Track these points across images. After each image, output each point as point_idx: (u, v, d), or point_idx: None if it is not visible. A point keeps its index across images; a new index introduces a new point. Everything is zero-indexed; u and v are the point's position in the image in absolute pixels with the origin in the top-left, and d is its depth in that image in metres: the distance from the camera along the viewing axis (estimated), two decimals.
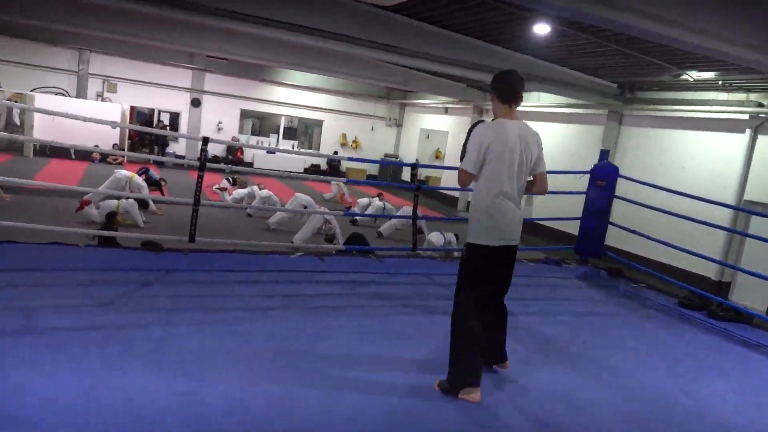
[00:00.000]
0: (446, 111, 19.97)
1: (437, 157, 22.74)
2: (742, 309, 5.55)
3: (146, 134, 20.19)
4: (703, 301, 5.76)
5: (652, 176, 11.66)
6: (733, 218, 10.12)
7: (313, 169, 21.79)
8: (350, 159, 9.68)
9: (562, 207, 9.31)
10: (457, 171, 3.43)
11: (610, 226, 6.62)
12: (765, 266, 6.69)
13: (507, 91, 3.36)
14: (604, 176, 6.43)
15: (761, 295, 9.22)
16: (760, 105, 9.99)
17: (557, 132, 14.64)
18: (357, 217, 12.47)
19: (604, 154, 7.27)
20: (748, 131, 10.24)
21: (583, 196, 6.69)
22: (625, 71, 11.04)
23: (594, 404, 3.46)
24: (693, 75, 10.06)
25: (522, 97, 3.40)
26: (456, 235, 10.82)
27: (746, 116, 10.23)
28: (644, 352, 4.49)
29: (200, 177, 5.16)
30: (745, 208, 9.49)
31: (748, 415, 3.60)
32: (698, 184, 10.32)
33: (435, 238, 10.99)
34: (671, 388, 3.81)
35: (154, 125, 19.93)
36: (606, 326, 5.09)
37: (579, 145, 13.95)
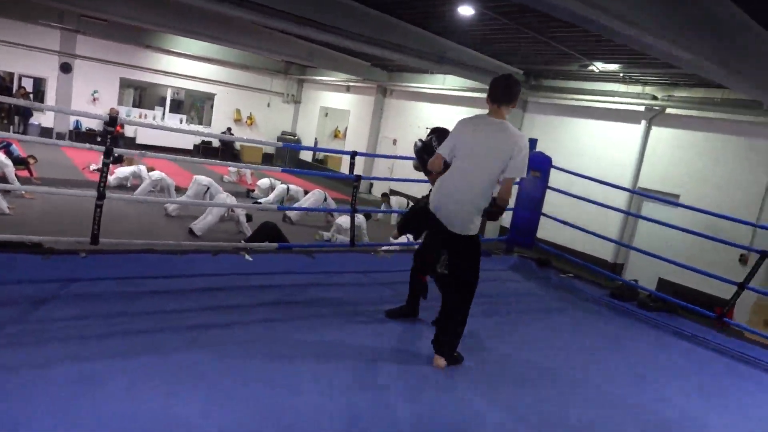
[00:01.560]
0: (348, 89, 19.42)
1: (336, 136, 22.19)
2: (668, 299, 5.74)
3: (2, 103, 17.49)
4: (633, 291, 5.90)
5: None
6: (629, 203, 10.74)
7: (205, 147, 20.28)
8: (254, 141, 8.88)
9: None
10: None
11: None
12: (653, 247, 7.30)
13: (491, 90, 3.55)
14: (537, 166, 6.35)
15: (648, 274, 9.95)
16: (654, 98, 10.63)
17: (462, 116, 14.71)
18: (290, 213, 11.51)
19: (533, 142, 7.24)
20: (643, 122, 10.88)
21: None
22: (537, 58, 11.22)
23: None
24: (599, 66, 10.43)
25: (508, 98, 3.51)
26: (368, 216, 10.45)
27: (642, 108, 10.85)
28: (614, 360, 4.42)
29: (106, 165, 4.26)
30: (642, 193, 10.08)
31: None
32: (598, 171, 10.80)
33: (344, 221, 10.53)
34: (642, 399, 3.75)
35: (14, 93, 17.31)
36: (560, 324, 4.99)
37: None
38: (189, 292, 4.20)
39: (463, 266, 3.61)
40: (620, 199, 10.16)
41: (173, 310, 3.80)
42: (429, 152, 3.83)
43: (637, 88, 10.92)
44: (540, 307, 5.42)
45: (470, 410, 3.17)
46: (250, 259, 4.99)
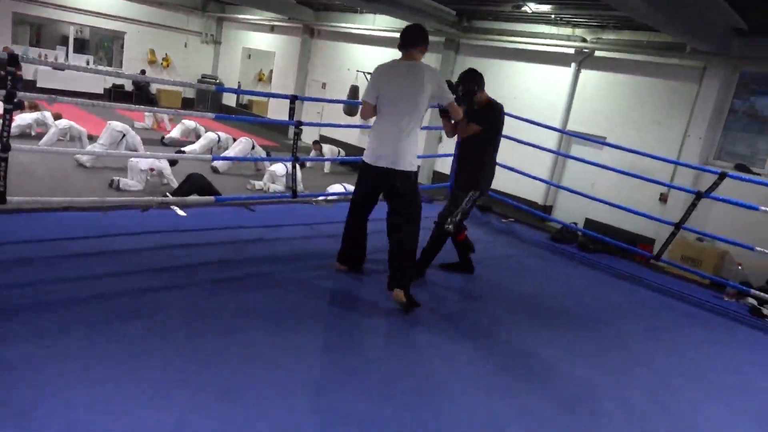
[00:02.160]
0: (272, 29, 18.35)
1: (260, 79, 21.15)
2: (606, 239, 5.92)
3: None
4: (572, 234, 6.04)
5: None
6: (558, 145, 10.96)
7: (117, 91, 18.72)
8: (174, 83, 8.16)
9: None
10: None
11: None
12: (580, 188, 7.58)
13: (400, 39, 3.84)
14: None
15: (575, 215, 10.33)
16: (584, 40, 10.71)
17: (393, 57, 14.33)
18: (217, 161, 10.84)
19: None
20: (573, 65, 10.98)
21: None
22: None
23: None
24: (532, 6, 10.32)
25: (413, 41, 3.81)
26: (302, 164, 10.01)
27: (572, 50, 10.92)
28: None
29: (8, 112, 3.68)
30: (572, 133, 10.30)
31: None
32: (530, 114, 10.89)
33: (279, 168, 10.13)
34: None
35: None
36: (522, 268, 5.01)
37: None
38: (118, 254, 3.80)
39: (408, 200, 3.72)
40: (551, 141, 10.35)
41: (103, 275, 3.42)
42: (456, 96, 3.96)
43: (568, 30, 10.95)
44: (493, 254, 5.42)
45: (441, 355, 3.10)
46: (184, 214, 4.61)
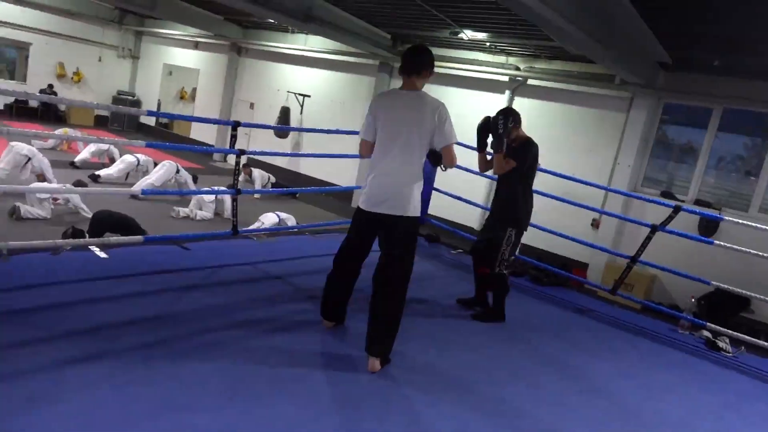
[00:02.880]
0: (196, 45, 17.53)
1: (182, 97, 20.14)
2: (558, 272, 5.81)
3: None
4: (522, 265, 5.89)
5: None
6: None
7: (20, 107, 17.12)
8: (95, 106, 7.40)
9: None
10: None
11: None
12: None
13: (401, 63, 3.49)
14: None
15: None
16: (517, 68, 10.89)
17: (325, 79, 14.01)
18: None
19: None
20: (507, 92, 11.13)
21: None
22: (406, 23, 10.84)
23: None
24: (468, 33, 10.36)
25: (416, 68, 3.42)
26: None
27: (506, 78, 11.07)
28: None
29: None
30: None
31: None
32: (466, 140, 10.92)
33: (207, 198, 9.51)
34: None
35: None
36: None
37: (351, 94, 13.59)
38: (18, 315, 3.14)
39: (405, 252, 3.29)
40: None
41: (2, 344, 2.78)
42: (494, 132, 3.99)
43: (502, 59, 11.10)
44: (451, 292, 5.12)
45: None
46: (105, 256, 3.98)
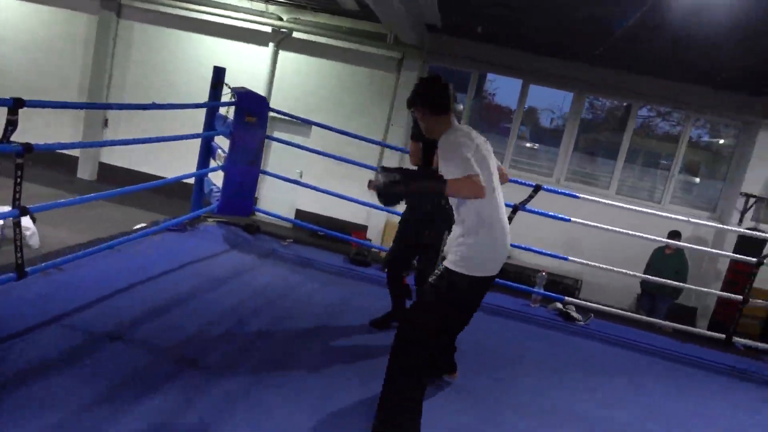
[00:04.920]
0: None
1: None
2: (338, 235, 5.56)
3: None
4: (371, 253, 5.36)
5: (168, 85, 10.13)
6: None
7: None
8: None
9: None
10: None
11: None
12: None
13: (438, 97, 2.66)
14: (252, 109, 4.83)
15: (284, 207, 9.85)
16: (280, 19, 9.90)
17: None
18: None
19: (220, 72, 5.30)
20: (271, 45, 10.08)
21: None
22: None
23: None
24: None
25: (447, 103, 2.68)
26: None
27: (269, 29, 9.99)
28: None
29: None
30: (278, 111, 9.46)
31: None
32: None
33: None
34: None
35: None
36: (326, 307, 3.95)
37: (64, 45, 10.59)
38: None
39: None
40: None
41: None
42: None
43: (261, 5, 9.91)
44: (297, 294, 4.23)
45: None
46: None
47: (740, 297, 4.68)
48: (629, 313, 5.47)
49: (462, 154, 2.38)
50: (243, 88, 4.97)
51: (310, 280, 4.52)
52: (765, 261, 4.56)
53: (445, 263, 2.51)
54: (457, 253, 2.47)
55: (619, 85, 9.26)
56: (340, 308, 4.09)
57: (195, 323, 3.26)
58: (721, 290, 7.65)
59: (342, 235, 6.40)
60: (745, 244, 8.08)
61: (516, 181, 4.64)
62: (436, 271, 2.53)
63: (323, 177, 9.02)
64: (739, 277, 7.98)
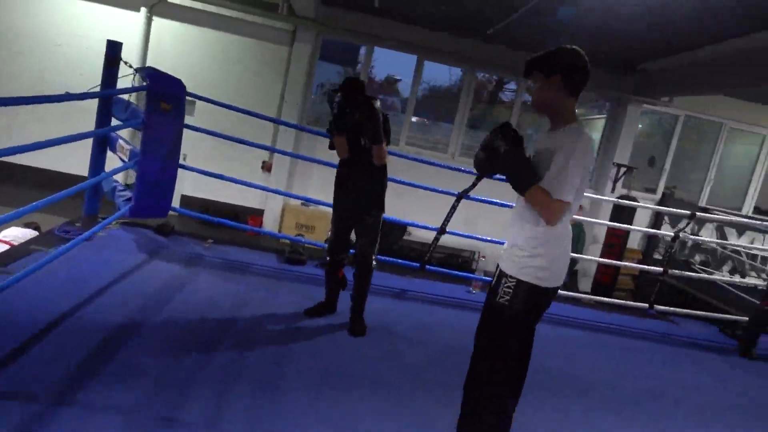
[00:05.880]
0: None
1: None
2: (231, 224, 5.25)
3: None
4: (306, 250, 5.01)
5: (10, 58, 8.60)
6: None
7: None
8: None
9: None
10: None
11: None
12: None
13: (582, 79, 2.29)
14: (168, 94, 4.17)
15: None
16: None
17: None
18: None
19: (116, 47, 4.28)
20: (143, 10, 8.91)
21: None
22: None
23: None
24: None
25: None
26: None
27: None
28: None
29: None
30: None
31: None
32: (89, 67, 8.27)
33: None
34: None
35: None
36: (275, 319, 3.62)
37: None
38: None
39: None
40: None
41: None
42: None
43: None
44: (241, 302, 3.81)
45: None
46: None
47: (660, 269, 5.12)
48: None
49: (571, 178, 2.08)
50: (151, 68, 4.27)
51: (253, 289, 4.09)
52: (680, 234, 4.99)
53: (516, 275, 2.18)
54: (533, 262, 2.17)
55: (511, 64, 9.57)
56: (300, 318, 3.75)
57: (157, 366, 2.76)
58: (601, 254, 8.43)
59: (236, 224, 5.68)
60: (619, 209, 8.95)
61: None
62: (504, 288, 2.21)
63: (211, 158, 8.32)
64: (615, 240, 8.87)
